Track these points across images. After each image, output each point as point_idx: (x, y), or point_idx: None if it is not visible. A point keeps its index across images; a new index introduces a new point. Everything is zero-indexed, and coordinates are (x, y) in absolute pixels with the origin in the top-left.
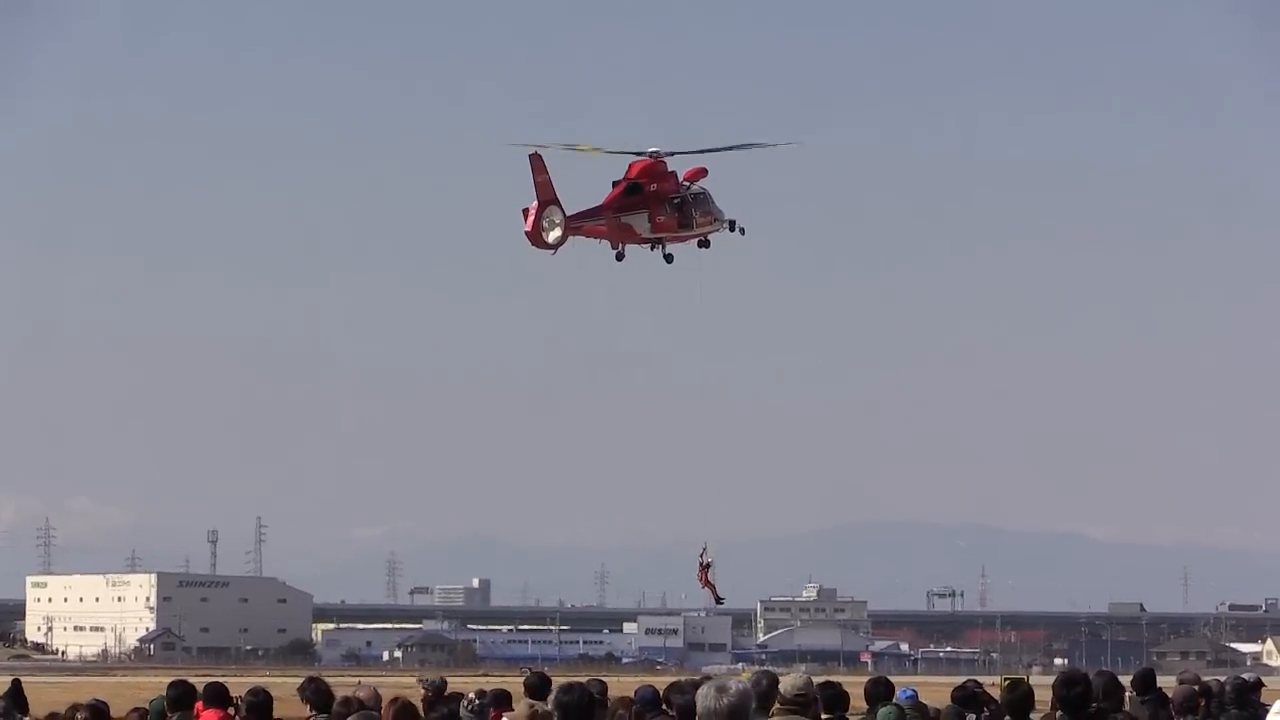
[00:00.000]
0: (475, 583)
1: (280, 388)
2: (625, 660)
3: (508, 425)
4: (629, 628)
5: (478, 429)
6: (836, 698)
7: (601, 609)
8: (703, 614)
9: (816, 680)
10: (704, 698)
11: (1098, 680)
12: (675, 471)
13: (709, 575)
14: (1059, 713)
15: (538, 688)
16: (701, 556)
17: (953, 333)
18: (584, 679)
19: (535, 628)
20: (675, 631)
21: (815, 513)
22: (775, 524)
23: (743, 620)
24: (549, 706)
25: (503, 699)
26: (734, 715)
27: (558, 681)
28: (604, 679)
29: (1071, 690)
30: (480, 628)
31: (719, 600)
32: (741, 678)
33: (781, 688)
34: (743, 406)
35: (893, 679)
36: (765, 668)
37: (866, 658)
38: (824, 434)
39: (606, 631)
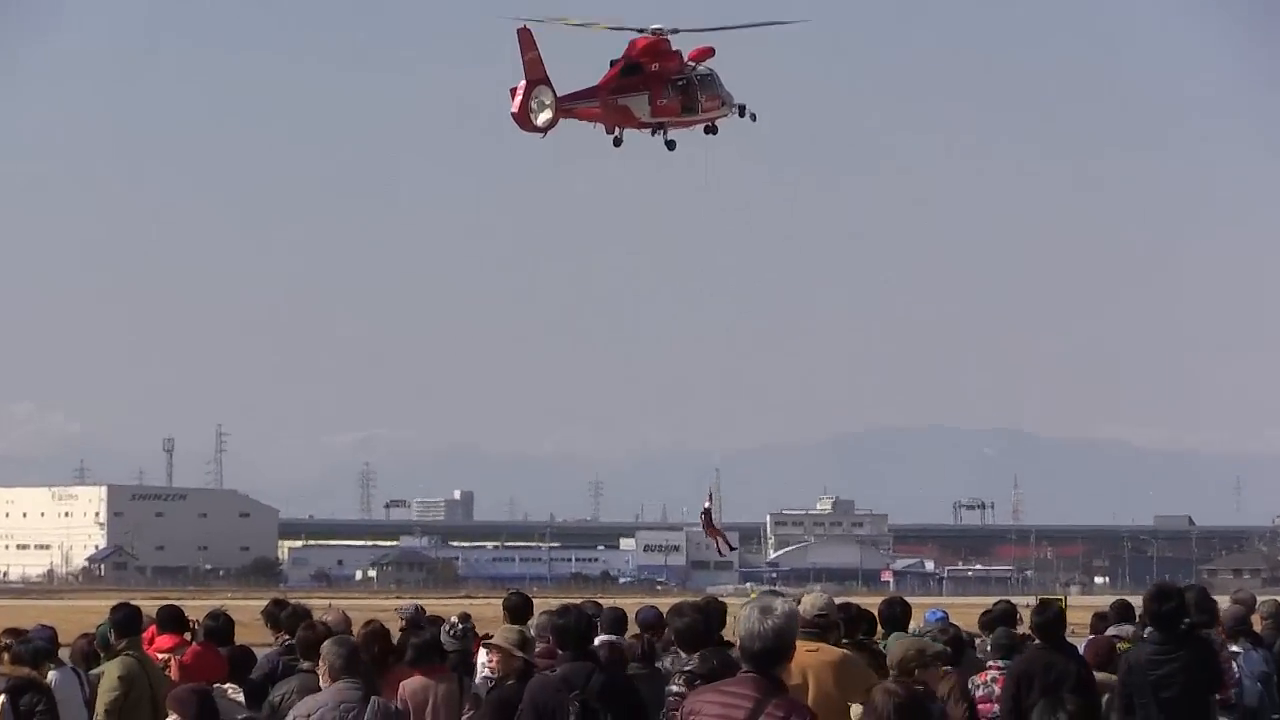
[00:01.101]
0: (457, 495)
1: (242, 285)
2: (623, 580)
3: (492, 324)
4: (626, 544)
5: (459, 329)
6: (855, 619)
7: (596, 524)
8: None
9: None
10: (747, 619)
11: (1190, 593)
12: (676, 374)
13: (713, 521)
14: (1149, 629)
15: (519, 609)
16: (707, 500)
17: (983, 224)
18: (579, 600)
19: (523, 545)
20: (677, 548)
21: (830, 418)
22: (787, 430)
23: (751, 536)
24: (533, 633)
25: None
26: (780, 638)
27: (548, 604)
28: (600, 600)
29: (1164, 605)
30: (463, 545)
31: (725, 551)
32: (750, 598)
33: (801, 608)
34: (751, 304)
35: (917, 600)
36: (775, 588)
37: (888, 576)
38: (840, 334)
39: (601, 548)
